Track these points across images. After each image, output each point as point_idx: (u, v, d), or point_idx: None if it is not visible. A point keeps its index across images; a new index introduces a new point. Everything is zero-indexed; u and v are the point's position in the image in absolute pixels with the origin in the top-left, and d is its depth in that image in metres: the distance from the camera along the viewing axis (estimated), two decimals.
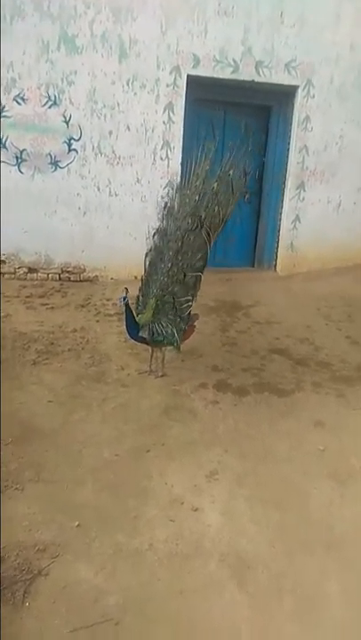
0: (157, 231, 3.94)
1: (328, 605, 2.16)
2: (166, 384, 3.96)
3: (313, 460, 3.15)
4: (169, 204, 3.94)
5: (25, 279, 6.07)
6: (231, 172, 3.72)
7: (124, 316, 3.78)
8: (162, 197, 4.10)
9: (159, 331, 3.76)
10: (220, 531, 2.48)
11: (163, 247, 3.85)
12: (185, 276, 3.71)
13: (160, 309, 3.77)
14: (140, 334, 3.81)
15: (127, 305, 3.71)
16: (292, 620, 2.07)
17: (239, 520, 2.57)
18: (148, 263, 3.97)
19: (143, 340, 3.88)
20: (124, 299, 3.68)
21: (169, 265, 3.75)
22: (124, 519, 2.52)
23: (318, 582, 2.25)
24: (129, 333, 3.87)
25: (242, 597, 2.12)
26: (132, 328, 3.80)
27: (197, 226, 3.63)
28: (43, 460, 2.92)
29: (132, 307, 3.84)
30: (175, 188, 4.03)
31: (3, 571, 2.15)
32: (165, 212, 3.93)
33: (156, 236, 3.94)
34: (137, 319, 3.80)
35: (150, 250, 3.98)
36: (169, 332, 3.77)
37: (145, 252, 4.00)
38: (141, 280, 4.03)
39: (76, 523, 2.46)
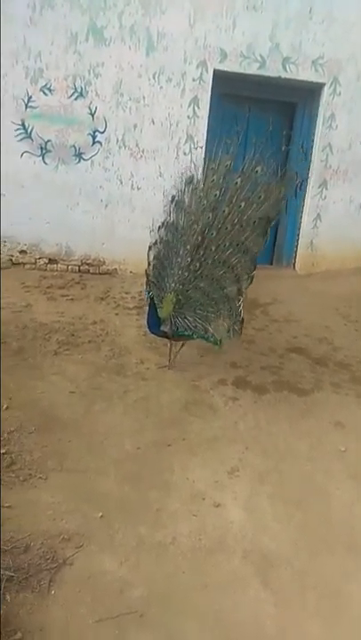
0: (164, 224, 3.91)
1: (350, 604, 2.16)
2: (185, 379, 3.96)
3: (334, 460, 3.14)
4: (178, 198, 3.89)
5: (45, 270, 6.10)
6: (259, 169, 3.66)
7: (148, 309, 3.74)
8: (170, 191, 4.01)
9: (185, 324, 3.73)
10: (242, 527, 2.49)
11: (175, 241, 3.82)
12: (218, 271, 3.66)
13: (183, 304, 3.75)
14: (162, 328, 3.80)
15: (152, 299, 3.67)
16: (315, 618, 2.08)
17: (262, 517, 2.57)
18: (153, 256, 3.94)
19: (164, 335, 3.88)
20: (149, 292, 3.66)
21: (188, 259, 3.72)
22: (147, 511, 2.53)
23: (340, 581, 2.25)
24: (150, 327, 3.84)
25: (266, 594, 2.13)
26: (155, 322, 3.77)
27: (220, 223, 3.60)
28: (66, 450, 2.95)
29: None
30: (185, 181, 3.94)
31: (29, 559, 2.17)
32: (174, 206, 3.89)
33: (162, 230, 3.91)
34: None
35: (156, 243, 3.94)
36: (199, 327, 3.71)
37: (148, 245, 3.95)
38: (147, 274, 3.95)
39: (100, 513, 2.48)
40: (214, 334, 3.69)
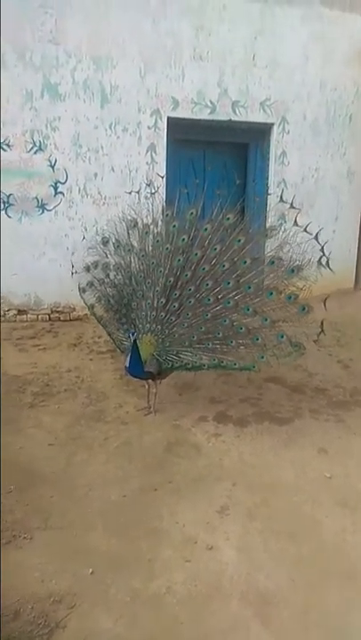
0: (98, 265, 4.02)
1: (356, 637, 2.12)
2: (166, 419, 3.93)
3: (321, 487, 3.14)
4: (119, 241, 4.00)
5: (15, 321, 6.04)
6: (230, 217, 3.77)
7: (130, 352, 3.64)
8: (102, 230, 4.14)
9: (183, 359, 3.72)
10: (237, 568, 2.44)
11: (134, 283, 3.87)
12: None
13: (170, 342, 3.75)
14: (147, 369, 3.73)
15: (135, 341, 3.61)
16: None
17: (255, 555, 2.53)
18: (96, 298, 4.02)
19: (150, 376, 3.82)
20: (133, 333, 3.61)
21: (163, 300, 3.77)
22: (139, 563, 2.46)
23: (343, 613, 2.21)
24: (133, 370, 3.72)
25: (268, 635, 2.07)
26: (138, 365, 3.68)
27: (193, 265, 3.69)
28: (49, 506, 2.85)
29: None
30: (128, 225, 4.06)
31: (19, 626, 2.06)
32: (113, 248, 4.00)
33: (97, 270, 4.00)
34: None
35: (92, 285, 4.03)
36: (205, 359, 3.69)
37: (81, 287, 4.01)
38: (97, 316, 4.04)
39: (90, 570, 2.39)
40: (237, 362, 3.66)
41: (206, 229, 3.77)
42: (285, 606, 2.23)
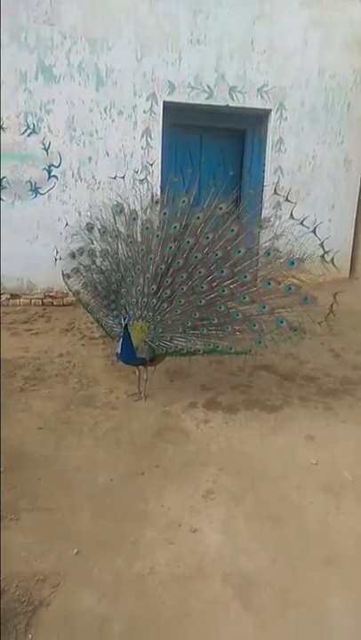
0: (84, 251, 3.98)
1: (333, 619, 2.16)
2: (156, 405, 3.96)
3: (307, 474, 3.17)
4: (105, 227, 3.97)
5: (7, 305, 6.03)
6: (223, 206, 3.75)
7: (122, 338, 3.63)
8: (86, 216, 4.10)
9: (176, 344, 3.73)
10: (220, 550, 2.47)
11: (123, 269, 3.85)
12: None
13: (162, 328, 3.77)
14: (139, 355, 3.74)
15: (126, 327, 3.58)
16: (298, 635, 2.07)
17: (239, 538, 2.56)
18: (82, 284, 4.00)
19: (142, 362, 3.84)
20: (125, 319, 3.57)
21: (154, 287, 3.78)
22: (123, 544, 2.49)
23: (321, 596, 2.25)
24: (125, 356, 3.72)
25: (247, 615, 2.11)
26: (130, 351, 3.67)
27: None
28: (37, 489, 2.88)
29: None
30: (114, 211, 4.02)
31: (3, 603, 2.09)
32: (99, 234, 3.97)
33: (82, 257, 3.97)
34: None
35: (78, 270, 4.00)
36: (199, 344, 3.71)
37: (65, 273, 3.98)
38: (82, 303, 4.02)
39: (75, 550, 2.43)
40: (233, 346, 3.70)
41: (198, 218, 3.75)
42: (266, 588, 2.27)
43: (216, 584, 2.28)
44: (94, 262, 4.01)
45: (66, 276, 4.09)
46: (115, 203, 4.02)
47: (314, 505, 2.86)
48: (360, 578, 2.35)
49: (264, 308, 3.65)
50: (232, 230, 3.70)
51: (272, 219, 3.89)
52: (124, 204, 4.03)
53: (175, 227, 3.76)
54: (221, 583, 2.28)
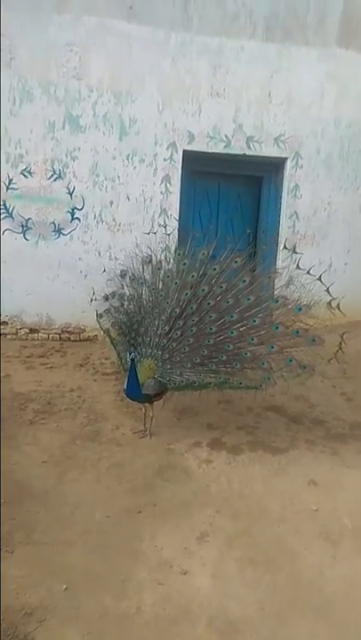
0: (115, 295, 4.26)
1: None
2: (161, 443, 3.99)
3: (306, 519, 3.14)
4: (134, 274, 4.25)
5: (26, 339, 6.24)
6: (238, 260, 4.03)
7: (128, 373, 3.80)
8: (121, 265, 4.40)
9: (186, 378, 3.91)
10: (208, 594, 2.46)
11: (143, 312, 4.08)
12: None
13: (170, 365, 3.94)
14: (144, 392, 3.87)
15: (133, 361, 3.76)
16: None
17: (229, 582, 2.55)
18: (111, 323, 4.25)
19: (147, 399, 3.96)
20: (131, 354, 3.76)
21: (167, 328, 3.94)
22: (113, 582, 2.51)
23: None
24: (130, 392, 3.87)
25: None
26: (135, 387, 3.82)
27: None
28: (34, 522, 2.94)
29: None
30: (143, 260, 4.33)
31: None
32: (128, 280, 4.25)
33: (114, 299, 4.24)
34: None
35: (109, 311, 4.25)
36: (209, 379, 3.93)
37: (98, 313, 4.26)
38: (111, 339, 4.28)
39: (65, 586, 2.46)
40: (243, 381, 3.98)
41: (215, 269, 4.02)
42: (251, 635, 2.24)
43: (201, 628, 2.27)
44: (122, 305, 4.26)
45: (99, 316, 4.34)
46: (145, 254, 4.36)
47: (309, 551, 2.83)
48: (349, 629, 2.30)
49: (273, 347, 3.85)
50: (244, 281, 3.98)
51: (281, 270, 4.09)
52: (153, 256, 4.34)
53: (193, 275, 4.02)
54: (206, 627, 2.27)
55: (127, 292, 4.27)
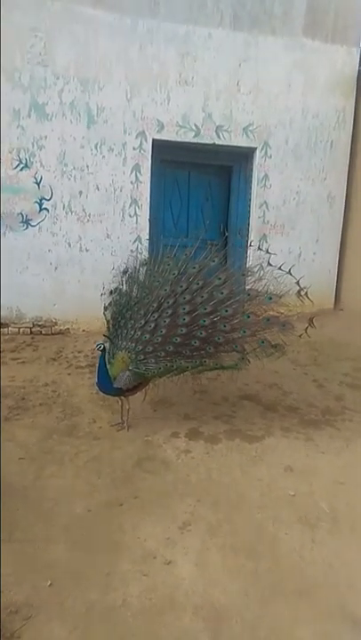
0: (116, 291, 4.31)
1: None
2: (138, 435, 4.00)
3: (284, 505, 3.20)
4: (131, 272, 4.35)
5: None
6: (215, 260, 4.21)
7: (98, 367, 3.86)
8: (124, 263, 4.49)
9: (158, 365, 3.94)
10: (193, 583, 2.49)
11: (127, 308, 4.13)
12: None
13: (144, 356, 3.95)
14: (115, 385, 3.89)
15: (102, 353, 3.81)
16: None
17: (212, 571, 2.59)
18: (109, 317, 4.25)
19: (118, 392, 3.96)
20: (99, 345, 3.80)
21: (142, 322, 3.97)
22: (97, 576, 2.51)
23: (291, 629, 2.27)
24: (101, 386, 3.95)
25: None
26: (106, 380, 3.88)
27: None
28: (14, 519, 2.89)
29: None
30: (140, 262, 4.46)
31: None
32: (127, 278, 4.33)
33: (115, 295, 4.29)
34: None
35: (111, 305, 4.29)
36: (184, 363, 3.97)
37: (104, 306, 4.29)
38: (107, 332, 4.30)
39: (49, 582, 2.44)
40: (218, 362, 4.08)
41: (195, 267, 4.15)
42: (237, 621, 2.28)
43: (187, 616, 2.29)
44: (119, 300, 4.27)
45: (104, 308, 4.33)
46: (144, 258, 4.53)
47: (289, 536, 2.89)
48: (330, 610, 2.38)
49: (245, 332, 4.03)
50: (219, 278, 4.12)
51: (253, 267, 4.23)
52: (150, 259, 4.47)
53: (174, 273, 4.13)
54: (192, 616, 2.30)
55: (123, 289, 4.35)
